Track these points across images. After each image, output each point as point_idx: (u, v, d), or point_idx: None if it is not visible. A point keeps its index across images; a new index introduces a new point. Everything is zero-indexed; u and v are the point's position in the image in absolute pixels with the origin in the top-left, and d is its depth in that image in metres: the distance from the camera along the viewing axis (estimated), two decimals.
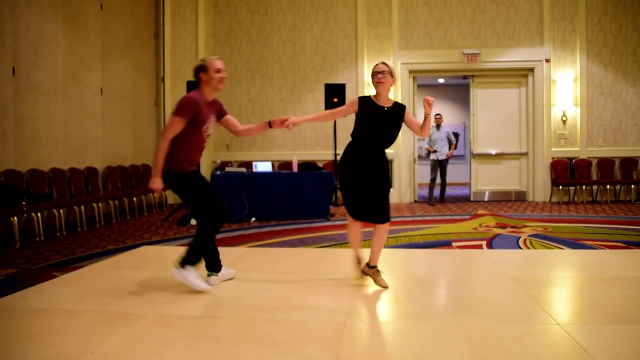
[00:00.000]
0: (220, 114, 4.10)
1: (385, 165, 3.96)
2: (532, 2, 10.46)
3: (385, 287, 3.93)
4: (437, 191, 10.68)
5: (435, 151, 10.36)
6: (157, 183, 3.80)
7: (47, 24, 7.37)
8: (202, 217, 3.91)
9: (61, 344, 2.85)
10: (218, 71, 3.86)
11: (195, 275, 3.86)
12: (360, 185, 3.87)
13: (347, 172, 3.93)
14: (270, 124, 4.11)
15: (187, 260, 3.84)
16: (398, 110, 3.95)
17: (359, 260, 4.19)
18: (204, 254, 4.00)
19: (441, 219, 8.20)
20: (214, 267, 4.12)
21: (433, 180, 10.50)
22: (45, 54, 7.36)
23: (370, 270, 4.06)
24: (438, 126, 10.44)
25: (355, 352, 2.78)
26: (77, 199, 7.38)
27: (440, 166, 10.44)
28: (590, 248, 5.60)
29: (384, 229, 3.97)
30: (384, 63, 3.96)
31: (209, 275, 4.10)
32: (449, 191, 10.78)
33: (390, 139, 3.95)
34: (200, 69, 3.87)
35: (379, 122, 3.88)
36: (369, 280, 4.10)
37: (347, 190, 3.96)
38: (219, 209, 3.90)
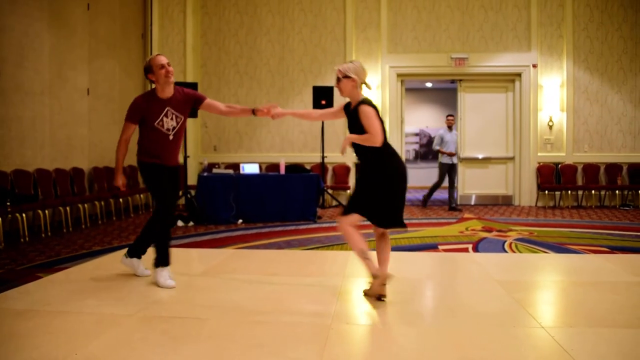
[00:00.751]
0: (197, 102, 4.23)
1: (374, 170, 3.56)
2: (520, 7, 10.55)
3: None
4: (435, 195, 10.59)
5: (454, 154, 9.86)
6: (118, 180, 4.21)
7: (32, 24, 7.30)
8: (158, 208, 4.14)
9: (46, 345, 2.83)
10: (162, 67, 3.99)
11: (161, 274, 4.07)
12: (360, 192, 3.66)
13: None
14: (254, 112, 4.20)
15: (158, 261, 4.10)
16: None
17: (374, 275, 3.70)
18: (149, 244, 4.23)
19: (428, 222, 8.24)
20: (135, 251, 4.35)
21: (439, 184, 9.96)
22: (31, 55, 7.29)
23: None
24: (450, 128, 10.00)
25: (341, 354, 2.78)
26: (62, 199, 7.31)
27: (452, 170, 9.85)
28: (575, 252, 5.65)
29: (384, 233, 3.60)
30: (339, 68, 3.63)
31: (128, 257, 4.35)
32: (436, 194, 10.79)
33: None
34: (147, 71, 4.06)
35: (350, 125, 3.65)
36: (356, 283, 4.11)
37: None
38: (170, 209, 4.14)
